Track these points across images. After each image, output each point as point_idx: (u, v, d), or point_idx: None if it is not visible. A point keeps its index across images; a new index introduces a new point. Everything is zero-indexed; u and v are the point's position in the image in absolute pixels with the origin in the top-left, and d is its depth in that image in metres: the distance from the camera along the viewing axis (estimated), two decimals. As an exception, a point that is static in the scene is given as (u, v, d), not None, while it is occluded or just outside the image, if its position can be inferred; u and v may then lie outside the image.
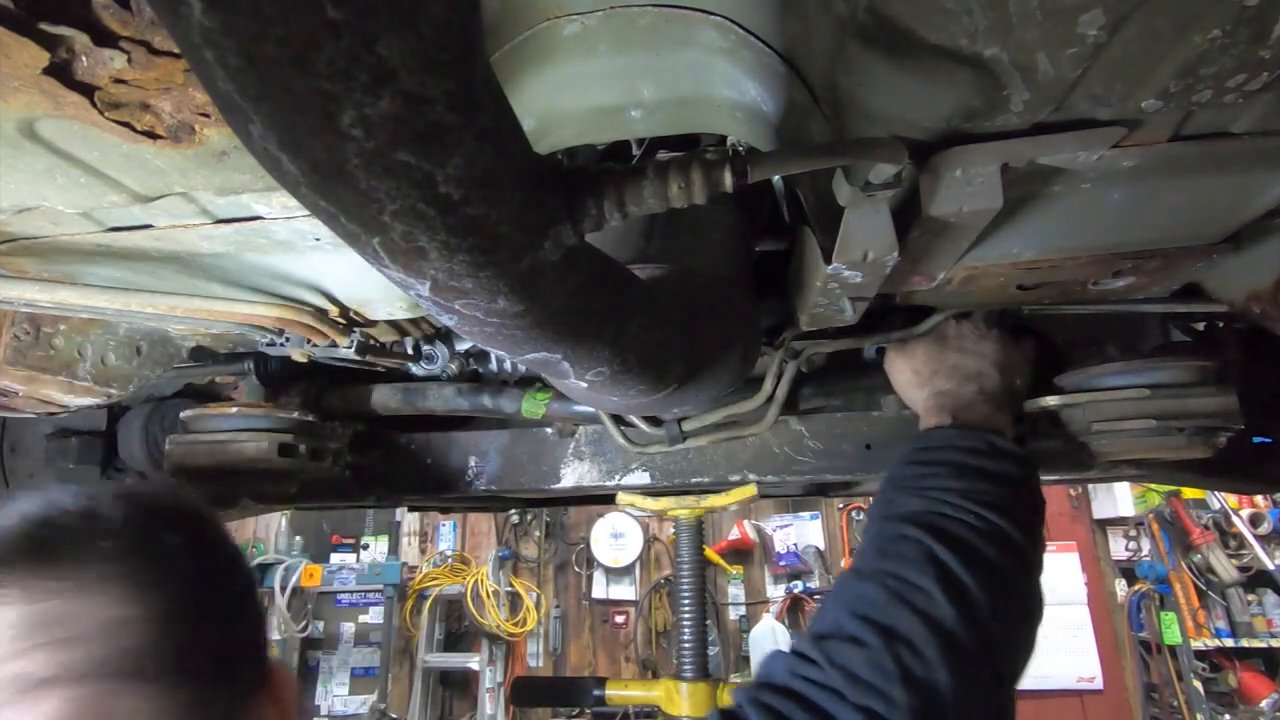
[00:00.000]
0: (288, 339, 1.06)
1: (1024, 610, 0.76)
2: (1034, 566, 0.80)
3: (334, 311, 0.99)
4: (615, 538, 5.55)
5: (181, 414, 1.17)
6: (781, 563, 5.46)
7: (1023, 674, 0.74)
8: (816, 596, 5.36)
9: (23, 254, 0.79)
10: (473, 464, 1.38)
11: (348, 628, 5.55)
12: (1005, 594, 0.72)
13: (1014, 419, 1.01)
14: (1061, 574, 5.36)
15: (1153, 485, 4.90)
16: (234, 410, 1.15)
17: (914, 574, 0.70)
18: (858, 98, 0.59)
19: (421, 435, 1.42)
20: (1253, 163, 0.69)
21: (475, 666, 5.34)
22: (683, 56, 0.66)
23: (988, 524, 0.76)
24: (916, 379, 1.05)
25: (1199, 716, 4.63)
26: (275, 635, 5.06)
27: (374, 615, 5.47)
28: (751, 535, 5.56)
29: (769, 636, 5.00)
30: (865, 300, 0.87)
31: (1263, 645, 4.75)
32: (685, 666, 1.53)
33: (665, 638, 5.42)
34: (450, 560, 5.63)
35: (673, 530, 1.63)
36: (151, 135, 0.56)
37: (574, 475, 1.37)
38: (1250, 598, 4.85)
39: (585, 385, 0.74)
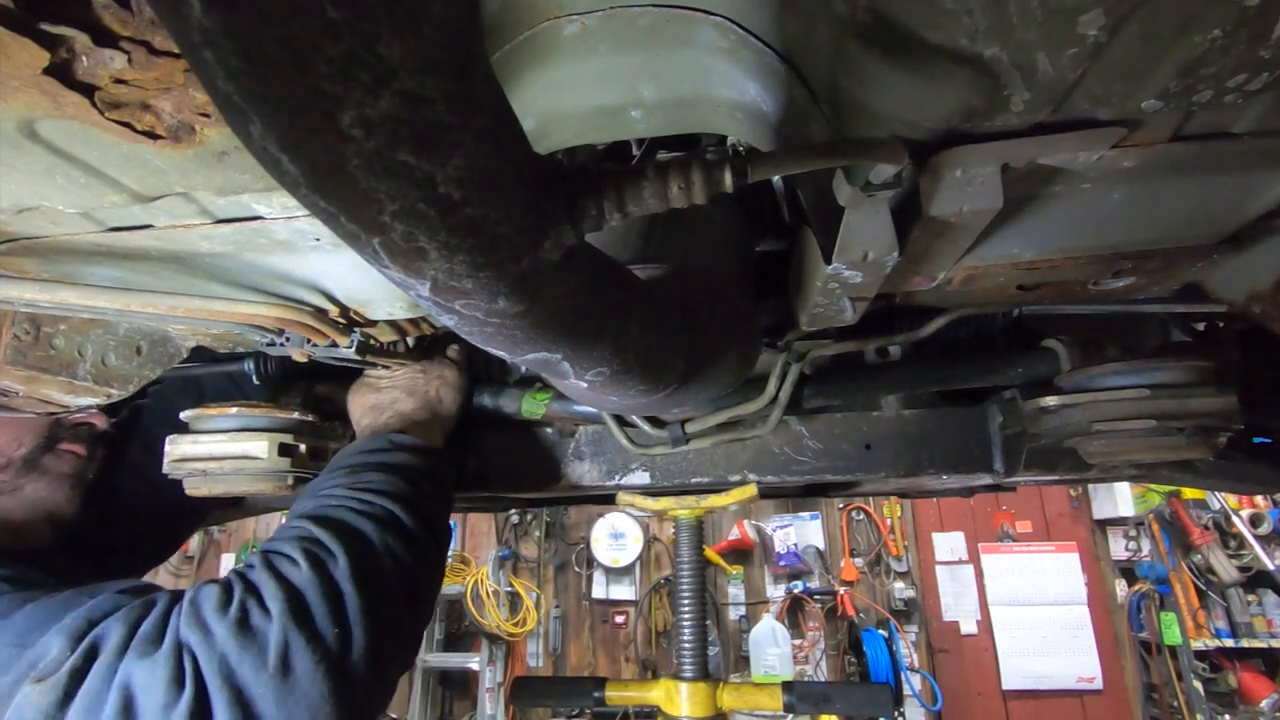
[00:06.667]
0: (288, 339, 1.06)
1: (398, 569, 0.90)
2: (417, 532, 0.95)
3: (334, 311, 0.99)
4: (615, 538, 5.56)
5: (181, 414, 1.17)
6: (781, 563, 5.46)
7: (393, 645, 0.86)
8: (816, 596, 5.37)
9: (23, 254, 0.79)
10: (473, 464, 1.38)
11: (348, 628, 5.57)
12: (371, 557, 0.88)
13: (444, 427, 1.25)
14: (1061, 574, 5.37)
15: (1153, 485, 4.90)
16: (234, 410, 1.15)
17: (286, 548, 0.85)
18: (858, 98, 0.59)
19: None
20: (1253, 163, 0.69)
21: (475, 666, 5.34)
22: (682, 56, 0.66)
23: (368, 505, 0.94)
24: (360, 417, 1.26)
25: (1199, 717, 4.63)
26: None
27: (374, 615, 5.49)
28: (751, 535, 5.56)
29: (769, 636, 5.00)
30: (865, 300, 0.87)
31: (1263, 645, 4.75)
32: (685, 666, 1.52)
33: (665, 638, 5.42)
34: (450, 560, 5.63)
35: (673, 530, 1.63)
36: (151, 135, 0.56)
37: (574, 475, 1.37)
38: (1250, 598, 4.85)
39: (585, 385, 0.74)
